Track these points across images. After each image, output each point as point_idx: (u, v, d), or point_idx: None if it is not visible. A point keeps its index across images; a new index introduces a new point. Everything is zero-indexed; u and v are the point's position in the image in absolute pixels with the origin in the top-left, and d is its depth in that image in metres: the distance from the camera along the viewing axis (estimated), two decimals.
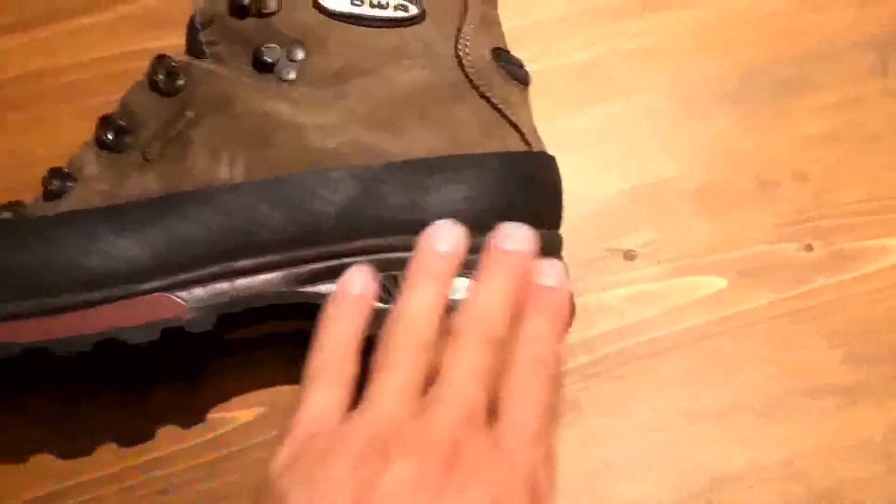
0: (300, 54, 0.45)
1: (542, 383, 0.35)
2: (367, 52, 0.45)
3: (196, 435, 0.45)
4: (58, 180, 0.44)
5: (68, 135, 0.49)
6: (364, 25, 0.45)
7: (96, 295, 0.40)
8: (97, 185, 0.43)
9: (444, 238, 0.39)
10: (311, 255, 0.42)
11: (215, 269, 0.41)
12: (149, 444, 0.45)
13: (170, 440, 0.45)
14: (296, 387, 0.45)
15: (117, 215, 0.41)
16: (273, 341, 0.45)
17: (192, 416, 0.46)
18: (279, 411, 0.45)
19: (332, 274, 0.42)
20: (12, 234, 0.41)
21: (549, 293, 0.38)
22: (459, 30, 0.46)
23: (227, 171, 0.43)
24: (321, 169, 0.43)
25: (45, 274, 0.40)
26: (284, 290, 0.42)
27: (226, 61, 0.45)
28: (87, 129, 0.49)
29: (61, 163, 0.48)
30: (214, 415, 0.46)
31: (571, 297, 0.40)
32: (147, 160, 0.43)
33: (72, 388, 0.45)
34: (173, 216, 0.42)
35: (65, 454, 0.45)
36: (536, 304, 0.37)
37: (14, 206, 0.45)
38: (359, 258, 0.42)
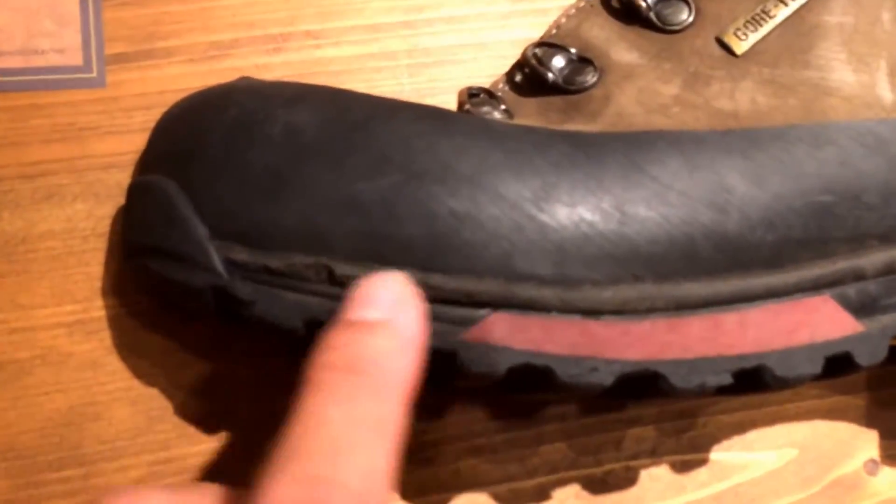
0: None
1: None
2: None
3: (696, 483, 0.30)
4: (563, 60, 0.27)
5: None
6: None
7: (725, 288, 0.23)
8: (660, 85, 0.26)
9: None
10: None
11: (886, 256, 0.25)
12: (627, 492, 0.29)
13: (657, 486, 0.29)
14: (836, 426, 0.31)
15: (746, 145, 0.24)
16: None
17: (689, 454, 0.30)
18: (819, 457, 0.30)
19: None
20: (592, 156, 0.24)
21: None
22: None
23: (888, 93, 0.26)
24: None
25: (633, 242, 0.23)
26: None
27: None
28: None
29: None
30: (721, 455, 0.30)
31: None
32: (733, 54, 0.26)
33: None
34: (815, 160, 0.25)
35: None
36: None
37: (487, 95, 0.27)
38: None
